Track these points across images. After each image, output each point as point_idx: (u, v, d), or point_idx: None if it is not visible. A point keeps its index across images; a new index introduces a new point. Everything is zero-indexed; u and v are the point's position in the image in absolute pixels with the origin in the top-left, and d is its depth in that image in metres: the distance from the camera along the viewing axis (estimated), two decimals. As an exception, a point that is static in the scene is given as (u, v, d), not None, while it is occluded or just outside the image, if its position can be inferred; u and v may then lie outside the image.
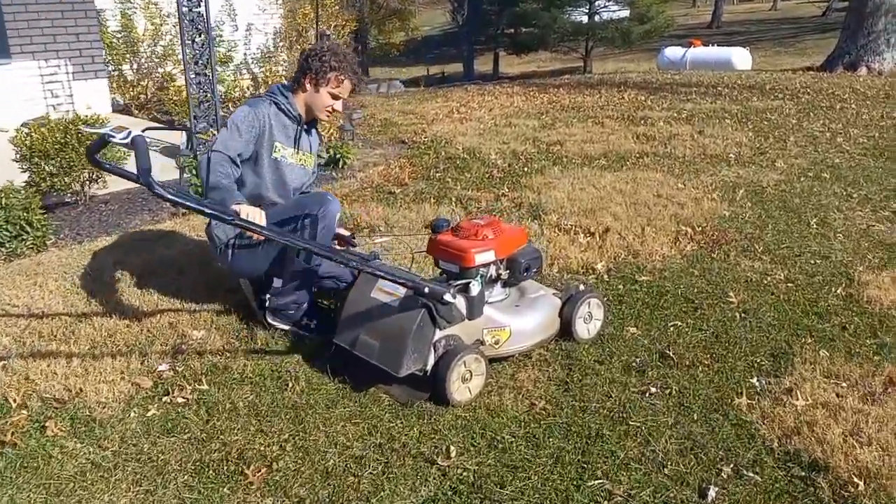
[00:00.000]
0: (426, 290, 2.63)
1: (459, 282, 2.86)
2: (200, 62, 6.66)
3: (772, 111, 8.99)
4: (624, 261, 4.17)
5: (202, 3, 6.45)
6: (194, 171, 5.15)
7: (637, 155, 6.72)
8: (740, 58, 18.21)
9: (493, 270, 3.06)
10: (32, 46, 8.01)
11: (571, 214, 4.92)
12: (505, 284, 3.13)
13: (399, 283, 2.71)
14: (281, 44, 13.39)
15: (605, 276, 3.95)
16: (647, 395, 2.80)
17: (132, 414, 2.70)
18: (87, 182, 5.10)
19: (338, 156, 6.29)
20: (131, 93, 10.48)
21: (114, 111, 9.51)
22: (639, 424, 2.61)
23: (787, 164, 6.33)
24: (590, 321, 3.22)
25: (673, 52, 20.05)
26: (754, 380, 2.89)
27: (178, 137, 6.75)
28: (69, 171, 4.82)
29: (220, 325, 3.33)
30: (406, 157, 6.83)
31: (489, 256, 2.96)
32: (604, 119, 8.60)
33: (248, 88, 12.15)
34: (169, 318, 3.38)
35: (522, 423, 2.63)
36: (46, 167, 4.82)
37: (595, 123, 8.36)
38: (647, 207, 5.05)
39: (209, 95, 6.72)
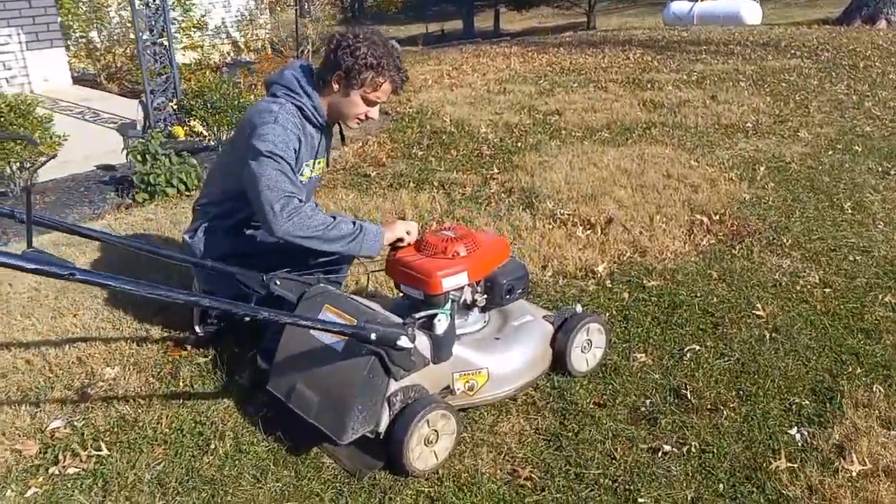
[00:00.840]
0: (373, 335, 2.02)
1: (421, 315, 2.26)
2: (155, 29, 5.98)
3: (790, 71, 8.25)
4: (630, 260, 3.55)
5: (152, -38, 5.75)
6: (139, 157, 4.51)
7: (644, 125, 6.04)
8: (749, 11, 17.21)
9: (467, 295, 2.46)
10: (-22, 13, 7.32)
11: (569, 201, 4.29)
12: (483, 309, 2.53)
13: (334, 333, 2.10)
14: (263, 5, 12.57)
15: (608, 282, 3.34)
16: (660, 455, 2.22)
17: (7, 493, 2.13)
18: (19, 170, 4.47)
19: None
20: (101, 62, 9.76)
21: (76, 82, 8.83)
22: (649, 502, 2.03)
23: (811, 134, 5.66)
24: (588, 350, 2.63)
25: (679, 6, 18.99)
26: (794, 431, 2.31)
27: (134, 113, 6.10)
28: (-9, 160, 4.20)
29: (140, 358, 2.75)
30: (387, 132, 6.17)
31: (461, 280, 2.35)
32: (607, 83, 7.88)
33: (228, 54, 11.41)
34: (79, 351, 2.79)
35: (502, 502, 2.06)
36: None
37: (598, 88, 7.65)
38: (655, 191, 4.41)
39: (167, 67, 6.05)
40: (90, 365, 2.71)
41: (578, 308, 2.70)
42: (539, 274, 3.42)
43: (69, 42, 9.79)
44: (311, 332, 2.26)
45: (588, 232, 3.85)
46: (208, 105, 5.25)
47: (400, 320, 2.20)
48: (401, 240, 2.46)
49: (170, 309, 3.03)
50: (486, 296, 2.47)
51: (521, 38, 18.04)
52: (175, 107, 5.87)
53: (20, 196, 4.57)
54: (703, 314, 3.04)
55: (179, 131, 5.70)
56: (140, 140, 4.83)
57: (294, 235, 2.31)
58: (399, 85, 2.50)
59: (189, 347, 2.82)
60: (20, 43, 7.65)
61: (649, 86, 7.65)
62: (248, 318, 1.90)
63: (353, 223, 2.41)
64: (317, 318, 2.19)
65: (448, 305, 2.40)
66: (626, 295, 3.22)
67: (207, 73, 7.35)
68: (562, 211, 4.11)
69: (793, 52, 9.65)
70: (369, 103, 2.50)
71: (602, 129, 5.96)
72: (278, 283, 2.37)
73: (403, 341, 2.06)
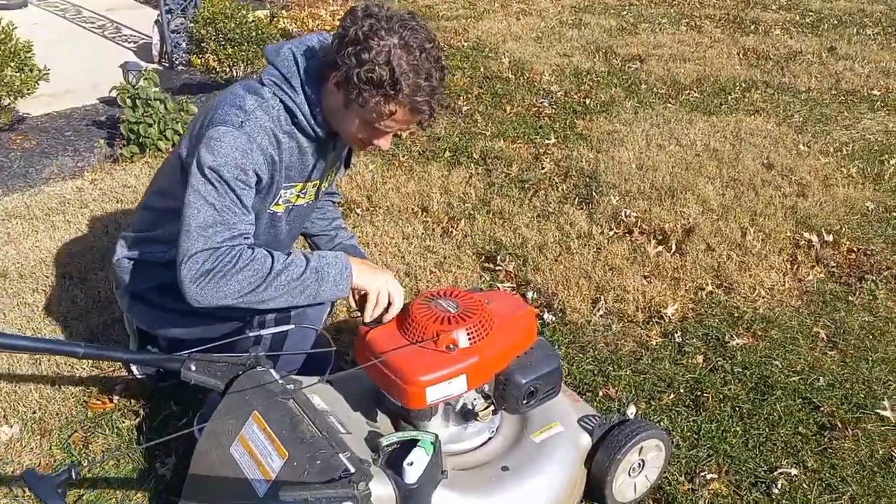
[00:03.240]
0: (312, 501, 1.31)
1: (391, 441, 1.54)
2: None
3: (930, 17, 6.85)
4: (711, 300, 2.71)
5: None
6: (128, 102, 3.79)
7: (743, 85, 4.97)
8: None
9: (467, 400, 1.71)
10: None
11: (639, 196, 3.41)
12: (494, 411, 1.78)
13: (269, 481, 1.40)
14: None
15: (678, 334, 2.52)
16: None
17: None
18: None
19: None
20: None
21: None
22: None
23: (959, 113, 4.52)
24: (639, 472, 1.87)
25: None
26: None
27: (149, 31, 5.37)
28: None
29: (50, 413, 2.12)
30: (434, 73, 5.26)
31: (455, 388, 1.60)
32: (703, 20, 6.68)
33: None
34: (-21, 393, 2.19)
35: None
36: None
37: (690, 27, 6.48)
38: (751, 189, 3.48)
39: (187, -20, 5.24)
40: (-16, 418, 2.10)
41: (631, 411, 1.93)
42: (586, 312, 2.62)
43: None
44: (230, 449, 1.57)
45: (659, 248, 2.99)
46: (221, 35, 4.46)
47: (367, 451, 1.49)
48: (365, 298, 1.70)
49: (103, 338, 2.39)
50: (492, 403, 1.72)
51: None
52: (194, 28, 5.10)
53: (-3, 138, 3.96)
54: (805, 405, 2.21)
55: (197, 62, 4.95)
56: (135, 73, 4.11)
57: (210, 305, 1.59)
58: (426, 118, 1.63)
59: (116, 398, 2.18)
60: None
61: (752, 28, 6.43)
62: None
63: (303, 255, 1.67)
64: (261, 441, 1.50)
65: (436, 419, 1.66)
66: (700, 359, 2.41)
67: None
68: (628, 212, 3.25)
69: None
70: (374, 133, 1.67)
71: (691, 87, 4.92)
72: (193, 367, 1.65)
73: (358, 493, 1.34)
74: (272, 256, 1.63)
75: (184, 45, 5.16)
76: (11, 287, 2.68)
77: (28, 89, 3.80)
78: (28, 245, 2.95)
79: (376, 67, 1.51)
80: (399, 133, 1.74)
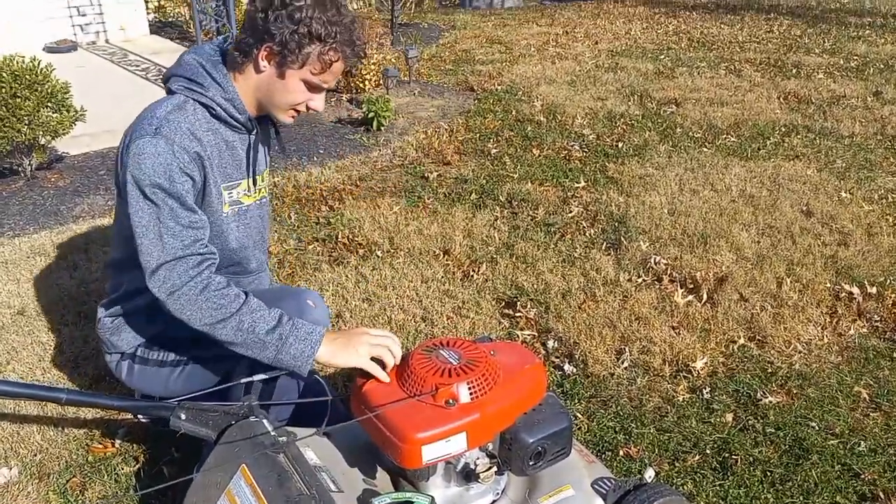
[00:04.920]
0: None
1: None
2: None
3: (981, 61, 6.63)
4: (742, 353, 2.57)
5: None
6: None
7: (783, 129, 4.83)
8: (929, -27, 14.72)
9: (470, 461, 1.61)
10: (54, -46, 6.88)
11: (670, 243, 3.29)
12: (499, 471, 1.67)
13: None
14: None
15: (707, 390, 2.38)
16: None
17: None
18: (26, 152, 3.91)
19: (371, 114, 4.81)
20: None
21: (164, 29, 8.38)
22: None
23: None
24: (657, 542, 1.72)
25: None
26: None
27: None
28: (-9, 135, 3.63)
29: (50, 455, 2.08)
30: (465, 115, 5.25)
31: (454, 447, 1.50)
32: (742, 64, 6.58)
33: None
34: (-19, 432, 2.16)
35: None
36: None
37: (729, 71, 6.38)
38: (789, 238, 3.33)
39: (226, 26, 5.36)
40: (-17, 459, 2.07)
41: (649, 474, 1.79)
42: (610, 364, 2.50)
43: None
44: (217, 502, 1.50)
45: (690, 297, 2.86)
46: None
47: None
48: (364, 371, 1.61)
49: (111, 380, 2.35)
50: (498, 462, 1.61)
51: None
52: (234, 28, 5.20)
53: (33, 176, 4.04)
54: (844, 472, 2.04)
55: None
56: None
57: (183, 318, 1.59)
58: (353, 62, 1.73)
59: (118, 442, 2.13)
60: (97, -13, 7.20)
61: (794, 72, 6.29)
62: None
63: (279, 315, 1.60)
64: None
65: (435, 479, 1.56)
66: (729, 417, 2.26)
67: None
68: (658, 259, 3.13)
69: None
70: (313, 88, 1.70)
71: (728, 132, 4.80)
72: (183, 416, 1.59)
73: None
74: (244, 297, 1.59)
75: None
76: (28, 325, 2.68)
77: (64, 129, 3.88)
78: (49, 283, 2.96)
79: (312, 22, 1.59)
80: (330, 87, 1.75)
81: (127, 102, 5.47)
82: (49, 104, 3.81)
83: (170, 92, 1.72)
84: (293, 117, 1.77)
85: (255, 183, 1.87)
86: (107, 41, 7.42)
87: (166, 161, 1.59)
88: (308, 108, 1.73)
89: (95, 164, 4.37)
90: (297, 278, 3.01)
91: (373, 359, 1.59)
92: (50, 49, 6.83)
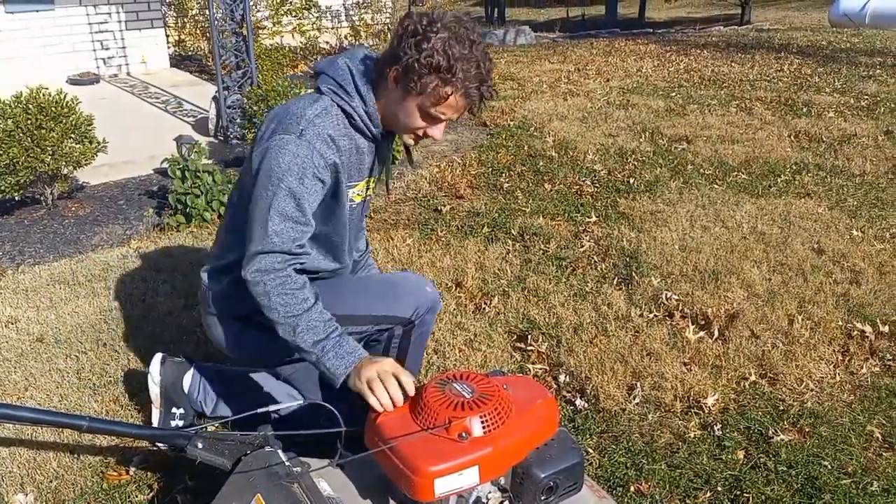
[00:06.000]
0: None
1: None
2: (236, 15, 5.41)
3: None
4: (754, 391, 2.57)
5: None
6: (178, 173, 3.92)
7: (794, 167, 4.86)
8: (937, 13, 14.81)
9: (482, 495, 1.62)
10: (79, -10, 7.09)
11: (681, 279, 3.31)
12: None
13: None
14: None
15: (718, 427, 2.38)
16: None
17: None
18: (49, 181, 4.00)
19: (386, 148, 4.87)
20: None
21: (183, 62, 8.57)
22: None
23: None
24: (668, 580, 1.72)
25: (850, 2, 16.67)
26: None
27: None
28: (14, 168, 3.72)
29: (66, 482, 2.10)
30: (478, 150, 5.32)
31: (467, 480, 1.52)
32: (753, 102, 6.64)
33: (345, 38, 10.86)
34: (-1, 456, 2.19)
35: None
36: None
37: (740, 109, 6.44)
38: (800, 275, 3.34)
39: (245, 61, 5.48)
40: (1, 487, 2.09)
41: (659, 510, 1.80)
42: (621, 399, 2.50)
43: (185, 19, 9.59)
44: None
45: (701, 333, 2.87)
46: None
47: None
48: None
49: (128, 408, 2.38)
50: (510, 496, 1.62)
51: (663, 31, 16.60)
52: (253, 105, 5.30)
53: (54, 205, 4.12)
54: (857, 512, 2.04)
55: (250, 136, 5.12)
56: (187, 146, 4.27)
57: (257, 301, 1.77)
58: (476, 103, 1.76)
59: (133, 469, 2.15)
60: (119, 22, 7.40)
61: (805, 110, 6.34)
62: None
63: (331, 331, 1.73)
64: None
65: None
66: (741, 455, 2.26)
67: (285, 70, 6.80)
68: (669, 294, 3.14)
69: None
70: (429, 119, 1.79)
71: (739, 169, 4.83)
72: (200, 444, 1.62)
73: None
74: (310, 304, 1.74)
75: (238, 119, 5.36)
76: (46, 352, 2.72)
77: (86, 160, 3.97)
78: (68, 310, 3.01)
79: (434, 54, 1.66)
80: (451, 120, 1.82)
81: (148, 135, 5.60)
82: (73, 135, 3.91)
83: (317, 89, 1.85)
84: (414, 140, 1.88)
85: (367, 186, 2.01)
86: (128, 74, 7.60)
87: (303, 164, 1.73)
88: (426, 134, 1.84)
89: (115, 193, 4.46)
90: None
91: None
92: (73, 81, 7.01)
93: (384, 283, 2.27)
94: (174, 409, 2.22)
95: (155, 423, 2.23)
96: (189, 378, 2.23)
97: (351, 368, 1.68)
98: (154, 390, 2.21)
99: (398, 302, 2.06)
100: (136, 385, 2.50)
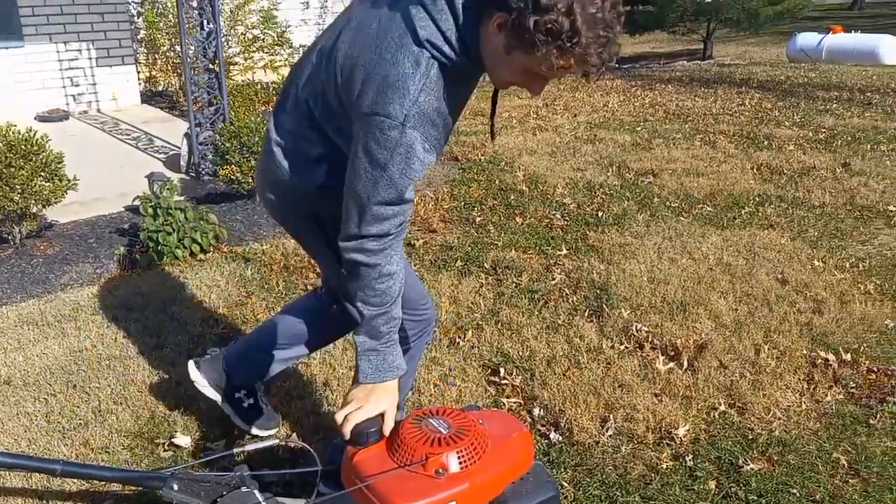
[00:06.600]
0: None
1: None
2: (209, 52, 5.44)
3: (944, 134, 6.93)
4: (723, 421, 2.62)
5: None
6: (149, 210, 3.91)
7: (757, 199, 5.00)
8: (889, 48, 15.41)
9: (457, 529, 1.63)
10: (49, 27, 7.08)
11: (651, 310, 3.37)
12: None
13: None
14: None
15: (689, 458, 2.42)
16: None
17: None
18: (17, 220, 3.96)
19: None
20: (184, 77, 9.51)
21: (153, 98, 8.57)
22: None
23: (978, 230, 4.47)
24: None
25: (807, 38, 17.26)
26: None
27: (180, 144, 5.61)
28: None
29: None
30: (450, 184, 5.39)
31: (444, 518, 1.53)
32: (717, 136, 6.83)
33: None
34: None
35: None
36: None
37: (704, 143, 6.61)
38: (766, 306, 3.42)
39: (217, 97, 5.51)
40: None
41: (634, 543, 1.82)
42: (595, 432, 2.54)
43: (156, 56, 9.60)
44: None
45: (671, 364, 2.93)
46: (245, 148, 4.63)
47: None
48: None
49: (100, 451, 2.35)
50: (486, 532, 1.64)
51: (628, 66, 17.00)
52: (226, 141, 5.32)
53: (21, 244, 4.07)
54: (826, 539, 2.08)
55: (222, 173, 5.12)
56: (159, 183, 4.26)
57: (349, 271, 1.68)
58: (596, 73, 1.45)
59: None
60: (90, 59, 7.39)
61: (766, 143, 6.54)
62: None
63: (396, 339, 1.74)
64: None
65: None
66: (712, 485, 2.30)
67: (258, 106, 6.84)
68: (639, 326, 3.20)
69: (945, 107, 8.25)
70: (533, 77, 1.54)
71: (704, 201, 4.96)
72: (176, 486, 1.61)
73: None
74: (392, 300, 1.68)
75: (210, 156, 5.37)
76: (14, 395, 2.68)
77: (56, 199, 3.94)
78: (36, 352, 2.98)
79: (558, 16, 1.34)
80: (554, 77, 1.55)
81: (118, 172, 5.58)
82: (43, 173, 3.89)
83: (413, 36, 1.51)
84: (504, 87, 1.67)
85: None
86: (98, 110, 7.57)
87: (409, 156, 1.53)
88: (524, 86, 1.59)
89: (84, 231, 4.42)
90: (285, 346, 3.04)
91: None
92: (42, 118, 6.96)
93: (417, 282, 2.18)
94: (237, 395, 2.26)
95: (235, 421, 2.25)
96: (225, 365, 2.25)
97: (377, 381, 1.69)
98: (210, 393, 2.23)
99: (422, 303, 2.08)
100: (108, 428, 2.47)
